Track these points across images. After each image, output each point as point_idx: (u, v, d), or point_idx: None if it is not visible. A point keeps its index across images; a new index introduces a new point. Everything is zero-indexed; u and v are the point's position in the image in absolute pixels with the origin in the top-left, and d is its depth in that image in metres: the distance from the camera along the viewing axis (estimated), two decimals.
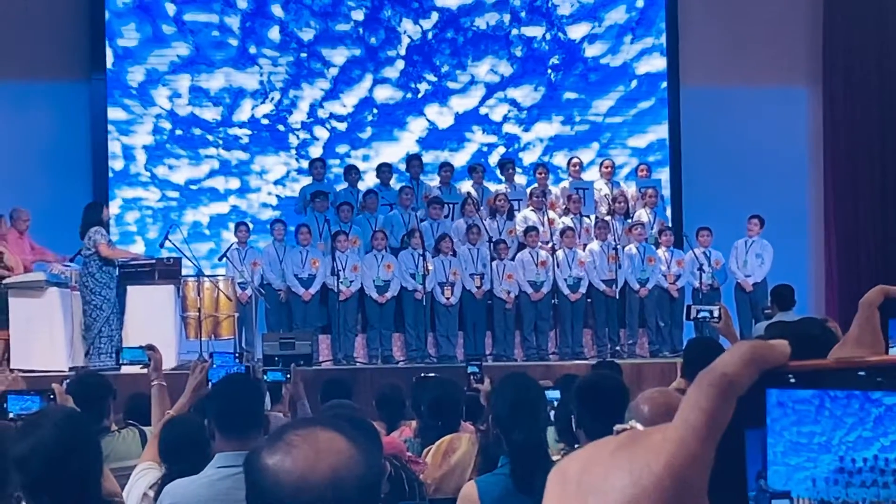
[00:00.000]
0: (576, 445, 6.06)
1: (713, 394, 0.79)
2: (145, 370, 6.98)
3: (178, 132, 18.08)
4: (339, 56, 18.46)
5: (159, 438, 5.48)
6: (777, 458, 0.82)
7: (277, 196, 18.21)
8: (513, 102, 18.83)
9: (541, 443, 5.27)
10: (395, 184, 17.03)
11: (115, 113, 17.85)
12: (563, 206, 16.94)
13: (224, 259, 15.35)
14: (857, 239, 19.18)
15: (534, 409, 5.30)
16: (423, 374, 9.85)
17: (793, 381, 0.83)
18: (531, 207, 16.69)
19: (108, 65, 17.81)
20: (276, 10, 18.32)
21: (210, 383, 6.47)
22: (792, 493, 0.81)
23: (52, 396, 5.28)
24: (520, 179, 17.49)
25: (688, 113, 18.81)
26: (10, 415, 5.08)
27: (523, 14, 18.81)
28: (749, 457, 0.82)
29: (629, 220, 16.84)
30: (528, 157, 18.61)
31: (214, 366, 8.68)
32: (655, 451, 0.78)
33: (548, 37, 18.87)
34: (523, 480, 5.05)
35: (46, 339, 13.59)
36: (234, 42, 18.24)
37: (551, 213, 16.69)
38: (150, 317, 13.89)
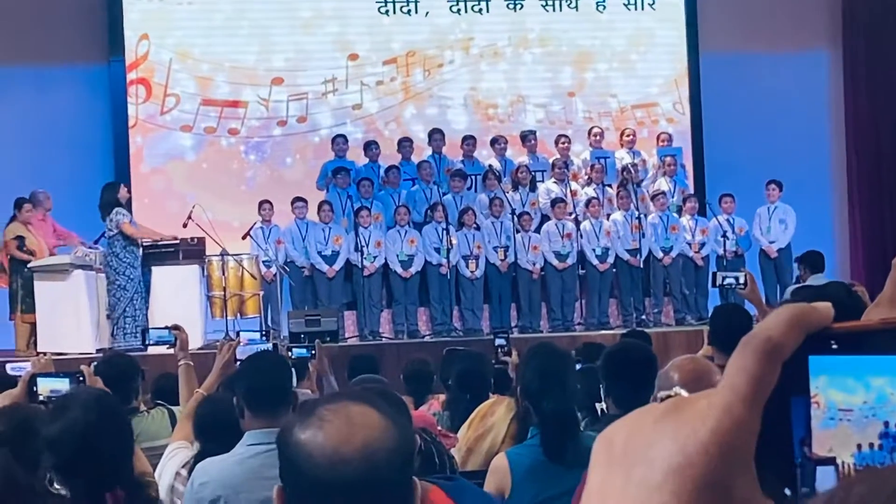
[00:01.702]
0: (600, 415, 6.07)
1: (758, 359, 0.78)
2: (171, 350, 7.00)
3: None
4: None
5: (194, 417, 5.49)
6: (821, 425, 0.81)
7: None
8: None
9: (571, 412, 5.27)
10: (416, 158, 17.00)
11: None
12: (586, 177, 16.91)
13: (248, 238, 15.35)
14: (881, 201, 19.10)
15: (563, 379, 5.29)
16: (452, 347, 9.87)
17: (835, 347, 0.82)
18: (554, 179, 16.66)
19: (127, 47, 17.81)
20: None
21: (237, 362, 6.49)
22: (837, 460, 0.81)
23: (81, 378, 5.29)
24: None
25: (708, 79, 18.72)
26: (41, 397, 5.10)
27: None
28: (794, 423, 0.81)
29: (643, 189, 16.78)
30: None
31: (242, 344, 8.72)
32: (701, 417, 0.77)
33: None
34: (554, 450, 5.06)
35: (73, 322, 13.64)
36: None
37: (574, 184, 16.66)
38: (175, 297, 13.92)
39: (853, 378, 0.80)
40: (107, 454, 3.36)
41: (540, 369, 5.31)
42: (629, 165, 16.80)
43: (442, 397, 7.95)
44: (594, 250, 15.84)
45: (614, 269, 16.02)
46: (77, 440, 3.34)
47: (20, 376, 6.04)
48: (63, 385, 5.15)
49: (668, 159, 17.00)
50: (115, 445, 3.44)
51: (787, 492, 0.80)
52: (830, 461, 0.80)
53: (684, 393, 0.82)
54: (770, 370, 0.78)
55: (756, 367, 0.78)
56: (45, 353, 6.96)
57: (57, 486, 3.40)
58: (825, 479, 0.79)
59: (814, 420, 0.81)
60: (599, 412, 6.04)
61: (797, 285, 12.97)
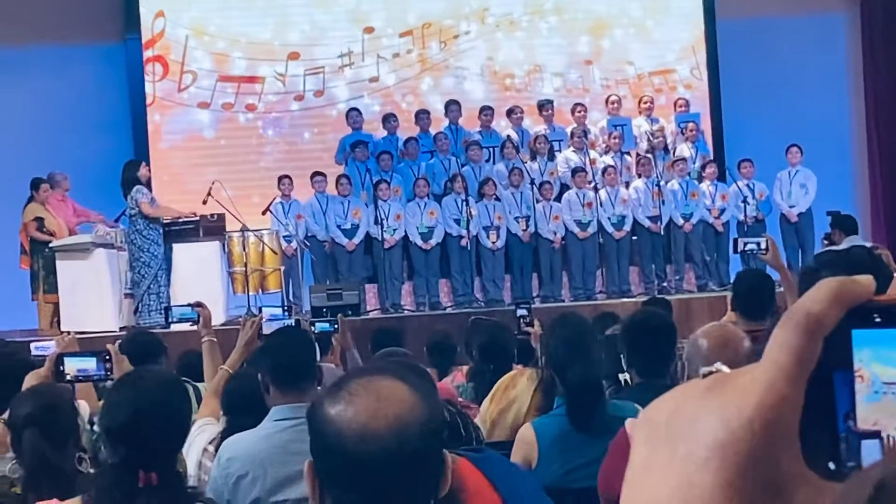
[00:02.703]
0: (623, 384, 6.07)
1: (800, 333, 0.78)
2: (195, 327, 7.02)
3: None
4: None
5: (223, 393, 5.51)
6: (866, 398, 0.81)
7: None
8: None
9: (597, 381, 5.28)
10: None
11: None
12: (604, 145, 16.88)
13: (268, 213, 15.35)
14: None
15: (587, 349, 5.30)
16: (477, 317, 9.86)
17: (878, 320, 0.81)
18: (572, 148, 16.63)
19: (143, 25, 17.80)
20: None
21: (261, 337, 6.50)
22: (882, 433, 0.80)
23: (107, 357, 5.31)
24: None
25: (725, 44, 18.64)
26: (68, 377, 5.12)
27: None
28: (837, 398, 0.81)
29: (669, 156, 16.77)
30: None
31: (264, 319, 8.73)
32: (745, 393, 0.77)
33: None
34: (581, 419, 5.07)
35: (95, 301, 13.68)
36: None
37: (592, 153, 16.62)
38: (196, 274, 13.95)
39: None
40: (159, 433, 3.37)
41: (565, 339, 5.32)
42: (653, 132, 16.76)
43: (465, 368, 7.96)
44: (610, 218, 15.82)
45: (634, 237, 16.00)
46: (137, 410, 3.35)
47: (44, 355, 6.06)
48: (90, 364, 5.17)
49: (690, 125, 16.96)
50: (169, 428, 3.46)
51: (832, 466, 0.79)
52: (875, 435, 0.80)
53: (726, 369, 0.82)
54: (812, 345, 0.78)
55: (798, 341, 0.78)
56: (69, 332, 6.96)
57: (86, 464, 3.41)
58: (870, 452, 0.79)
59: (858, 394, 0.81)
60: (623, 382, 6.04)
61: (824, 249, 12.95)
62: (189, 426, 3.65)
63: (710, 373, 0.81)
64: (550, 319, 6.04)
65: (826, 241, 14.49)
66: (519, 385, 6.03)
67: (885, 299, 0.81)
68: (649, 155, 16.39)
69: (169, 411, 3.47)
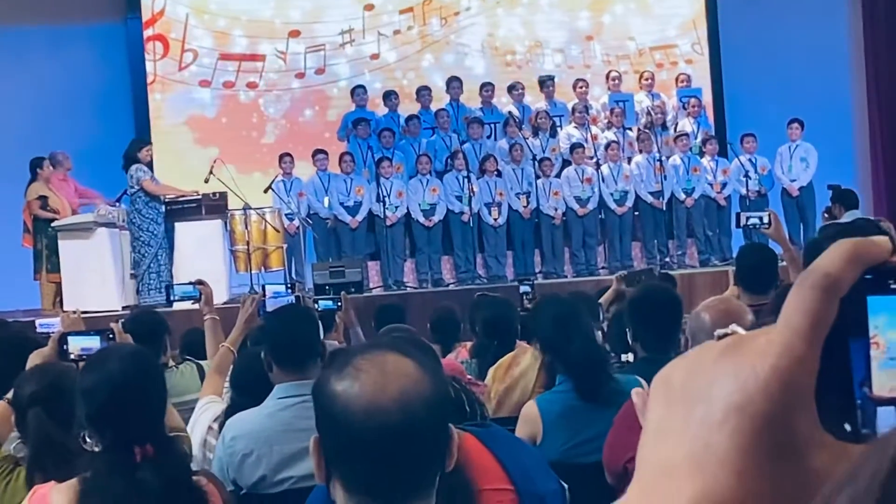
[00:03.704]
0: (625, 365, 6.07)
1: (816, 295, 0.77)
2: (196, 305, 7.02)
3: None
4: None
5: (231, 372, 5.52)
6: (881, 365, 0.80)
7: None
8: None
9: (599, 352, 5.29)
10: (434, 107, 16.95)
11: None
12: (606, 121, 16.87)
13: (270, 191, 15.34)
14: None
15: (580, 323, 5.30)
16: (482, 293, 9.86)
17: (894, 286, 0.80)
18: (574, 124, 16.63)
19: (143, 4, 17.77)
20: None
21: (261, 316, 6.51)
22: None
23: (111, 336, 5.30)
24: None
25: (725, 18, 18.61)
26: (72, 355, 5.11)
27: None
28: (853, 365, 0.80)
29: (669, 131, 16.76)
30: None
31: (266, 297, 8.73)
32: (760, 355, 0.76)
33: None
34: (588, 391, 5.07)
35: (98, 280, 13.67)
36: None
37: (594, 129, 16.61)
38: (198, 252, 13.94)
39: None
40: (139, 408, 3.38)
41: (554, 319, 5.32)
42: (652, 107, 16.75)
43: (469, 345, 7.95)
44: (612, 194, 15.82)
45: (636, 213, 16.00)
46: (111, 391, 3.36)
47: (48, 333, 6.06)
48: (94, 343, 5.16)
49: (693, 100, 16.96)
50: (148, 400, 3.46)
51: (848, 427, 0.79)
52: (891, 402, 0.79)
53: (741, 330, 0.81)
54: (828, 306, 0.77)
55: (814, 303, 0.77)
56: (74, 311, 6.95)
57: (90, 443, 3.41)
58: (886, 419, 0.78)
59: (873, 361, 0.80)
60: (626, 364, 6.05)
61: (828, 223, 12.93)
62: (164, 391, 3.64)
63: (726, 335, 0.81)
64: (534, 305, 6.06)
65: (827, 215, 14.45)
66: (522, 363, 6.03)
67: None
68: (648, 130, 16.37)
69: (141, 384, 3.47)
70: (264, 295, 8.76)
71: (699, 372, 0.78)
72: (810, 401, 0.76)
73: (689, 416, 0.77)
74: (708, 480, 0.74)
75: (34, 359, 4.90)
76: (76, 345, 5.15)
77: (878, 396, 0.79)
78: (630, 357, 5.90)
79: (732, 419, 0.75)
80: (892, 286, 0.80)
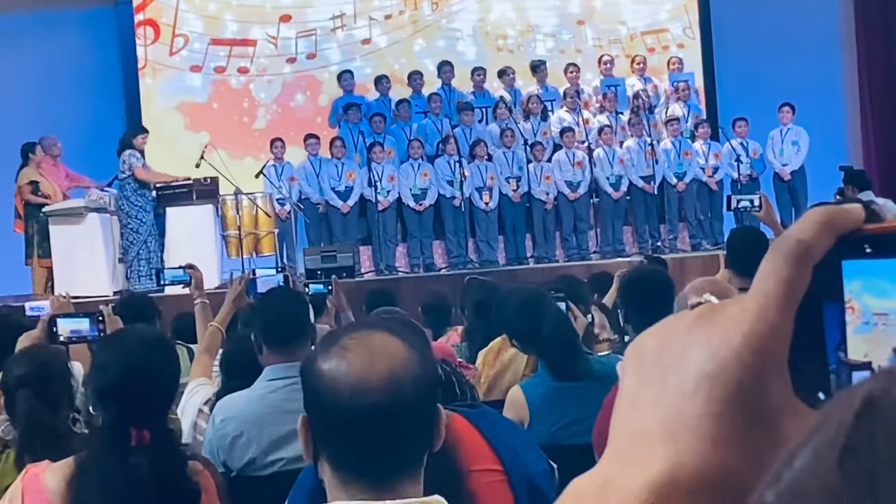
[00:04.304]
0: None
1: (789, 262, 0.78)
2: (187, 290, 7.02)
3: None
4: None
5: (223, 353, 5.52)
6: (856, 330, 0.80)
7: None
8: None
9: (568, 330, 5.29)
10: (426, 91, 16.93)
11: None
12: (598, 105, 16.86)
13: (261, 176, 15.32)
14: (895, 119, 18.98)
15: (544, 305, 5.33)
16: (472, 277, 9.87)
17: (869, 250, 0.81)
18: (565, 108, 16.61)
19: None
20: None
21: (251, 296, 6.51)
22: (873, 364, 0.80)
23: (100, 318, 5.31)
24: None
25: (717, 4, 18.60)
26: (61, 337, 5.11)
27: None
28: (828, 330, 0.81)
29: (654, 116, 16.75)
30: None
31: (255, 277, 8.71)
32: (733, 322, 0.76)
33: None
34: (561, 368, 5.10)
35: (89, 265, 13.67)
36: None
37: (585, 113, 16.60)
38: (190, 238, 13.92)
39: (888, 281, 0.79)
40: (149, 392, 3.38)
41: (518, 308, 5.35)
42: (640, 92, 16.74)
43: (460, 329, 7.96)
44: (608, 178, 15.81)
45: (628, 197, 16.00)
46: (126, 369, 3.36)
47: (38, 316, 6.06)
48: (83, 325, 5.16)
49: (682, 85, 16.95)
50: (159, 386, 3.47)
51: (822, 396, 0.79)
52: (866, 366, 0.79)
53: (715, 300, 0.81)
54: (801, 273, 0.78)
55: (787, 270, 0.77)
56: (64, 294, 6.95)
57: (80, 425, 3.42)
58: None
59: (848, 325, 0.80)
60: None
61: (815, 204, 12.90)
62: (177, 382, 3.64)
63: (699, 304, 0.81)
64: (497, 297, 6.07)
65: (839, 197, 14.41)
66: (511, 349, 6.03)
67: (875, 229, 0.80)
68: (636, 114, 16.36)
69: (157, 368, 3.47)
70: (254, 274, 8.75)
71: (672, 340, 0.78)
72: (783, 368, 0.76)
73: (663, 384, 0.77)
74: (681, 447, 0.75)
75: (23, 341, 4.90)
76: (65, 327, 5.16)
77: (853, 361, 0.80)
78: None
79: (705, 387, 0.75)
80: (868, 251, 0.80)
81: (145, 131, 14.92)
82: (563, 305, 5.62)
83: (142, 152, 14.58)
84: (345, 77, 16.96)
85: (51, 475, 3.37)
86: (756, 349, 0.75)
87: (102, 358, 3.47)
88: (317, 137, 15.83)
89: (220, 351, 5.70)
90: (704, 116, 17.25)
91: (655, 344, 0.79)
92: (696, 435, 0.75)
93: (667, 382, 0.77)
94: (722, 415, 0.74)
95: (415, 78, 17.03)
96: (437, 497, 2.18)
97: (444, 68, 17.08)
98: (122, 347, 3.48)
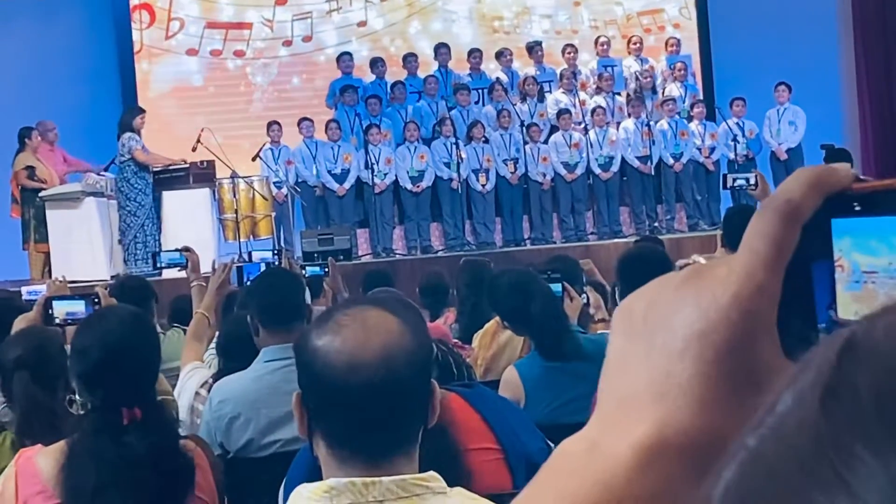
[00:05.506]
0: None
1: (777, 221, 0.77)
2: (183, 272, 7.02)
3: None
4: None
5: (219, 335, 5.52)
6: (846, 288, 0.80)
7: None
8: None
9: (556, 309, 5.30)
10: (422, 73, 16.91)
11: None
12: (595, 86, 16.85)
13: (258, 159, 15.31)
14: (892, 99, 18.98)
15: (534, 285, 5.34)
16: (467, 258, 9.87)
17: (858, 208, 0.80)
18: (562, 89, 16.59)
19: None
20: None
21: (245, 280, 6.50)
22: None
23: (96, 300, 5.30)
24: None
25: None
26: (56, 320, 5.11)
27: None
28: (818, 289, 0.80)
29: (657, 96, 16.74)
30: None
31: (245, 263, 8.71)
32: (722, 282, 0.76)
33: None
34: (549, 347, 5.11)
35: (86, 249, 13.66)
36: None
37: (582, 94, 16.59)
38: (187, 221, 13.92)
39: (877, 239, 0.79)
40: (132, 370, 3.38)
41: (509, 288, 5.36)
42: (640, 72, 16.73)
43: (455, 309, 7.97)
44: (597, 159, 15.80)
45: (624, 178, 16.00)
46: (106, 351, 3.35)
47: (35, 299, 6.06)
48: (79, 307, 5.16)
49: (679, 65, 16.94)
50: (141, 363, 3.46)
51: None
52: None
53: (703, 260, 0.81)
54: (790, 232, 0.77)
55: (776, 229, 0.77)
56: (60, 277, 6.95)
57: (77, 406, 3.42)
58: None
59: (838, 284, 0.80)
60: None
61: None
62: (159, 358, 3.63)
63: (687, 265, 0.80)
64: (488, 280, 6.08)
65: None
66: (507, 331, 6.03)
67: (864, 187, 0.80)
68: (637, 96, 16.35)
69: (138, 346, 3.47)
70: (248, 260, 8.75)
71: (660, 301, 0.78)
72: (772, 328, 0.76)
73: (651, 345, 0.76)
74: (669, 408, 0.74)
75: (19, 323, 4.90)
76: (61, 309, 5.16)
77: (844, 319, 0.79)
78: None
79: (694, 347, 0.74)
80: (857, 208, 0.80)
81: (143, 111, 14.92)
82: (558, 286, 5.63)
83: (139, 133, 14.57)
84: (343, 58, 16.93)
85: (43, 458, 3.37)
86: (744, 309, 0.75)
87: (81, 342, 3.47)
88: (311, 120, 15.81)
89: (217, 333, 5.70)
90: (701, 97, 17.24)
91: (643, 305, 0.79)
92: (685, 395, 0.74)
93: (654, 343, 0.76)
94: (711, 375, 0.74)
95: (410, 60, 17.01)
96: (432, 473, 2.18)
97: (441, 50, 17.06)
98: (99, 330, 3.47)
